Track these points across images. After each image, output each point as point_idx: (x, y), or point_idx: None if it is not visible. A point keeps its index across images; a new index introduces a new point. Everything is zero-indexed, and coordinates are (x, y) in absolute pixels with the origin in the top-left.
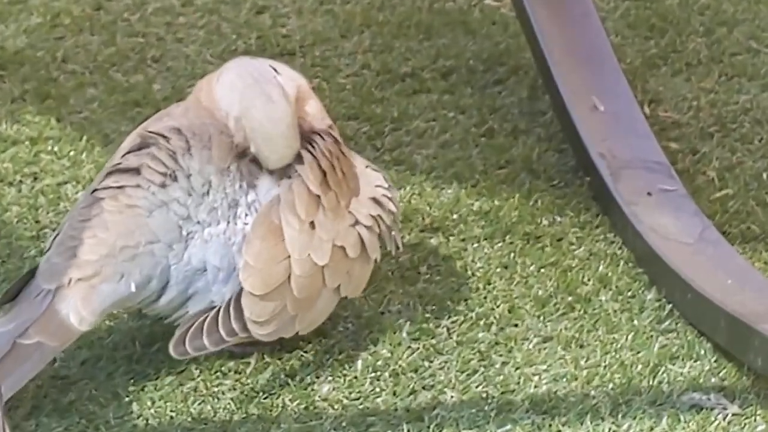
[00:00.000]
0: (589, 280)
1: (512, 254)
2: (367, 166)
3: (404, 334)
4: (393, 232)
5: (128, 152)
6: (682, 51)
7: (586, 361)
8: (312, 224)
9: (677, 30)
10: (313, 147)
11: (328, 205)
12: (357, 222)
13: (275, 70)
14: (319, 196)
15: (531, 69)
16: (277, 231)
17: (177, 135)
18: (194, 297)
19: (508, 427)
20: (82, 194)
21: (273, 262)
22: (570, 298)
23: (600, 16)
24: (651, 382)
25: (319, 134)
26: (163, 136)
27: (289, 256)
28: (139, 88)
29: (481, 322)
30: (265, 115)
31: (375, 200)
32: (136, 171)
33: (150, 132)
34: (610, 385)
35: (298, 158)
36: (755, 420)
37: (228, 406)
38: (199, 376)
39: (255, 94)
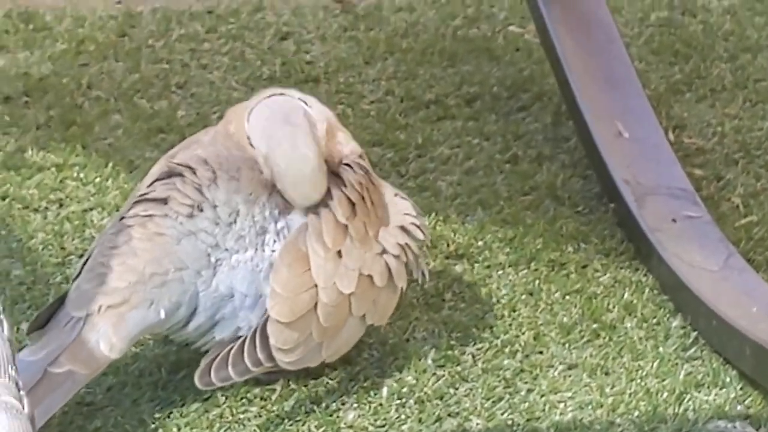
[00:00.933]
0: (614, 307)
1: (537, 281)
2: (396, 194)
3: (429, 361)
4: (420, 261)
5: (156, 180)
6: (707, 77)
7: (611, 389)
8: (339, 253)
9: (701, 56)
10: (342, 178)
11: (356, 234)
12: (384, 251)
13: (305, 103)
14: (346, 226)
15: (555, 95)
16: (304, 259)
17: (203, 166)
18: (221, 323)
19: None
20: (109, 221)
21: (300, 289)
22: (595, 326)
23: (624, 42)
24: (676, 410)
25: (349, 165)
26: (190, 168)
27: (316, 285)
28: (164, 114)
29: (507, 349)
30: (291, 160)
31: (403, 228)
32: (164, 201)
33: (177, 163)
34: (636, 413)
35: (328, 189)
36: None
37: None
38: (224, 402)
39: (282, 138)
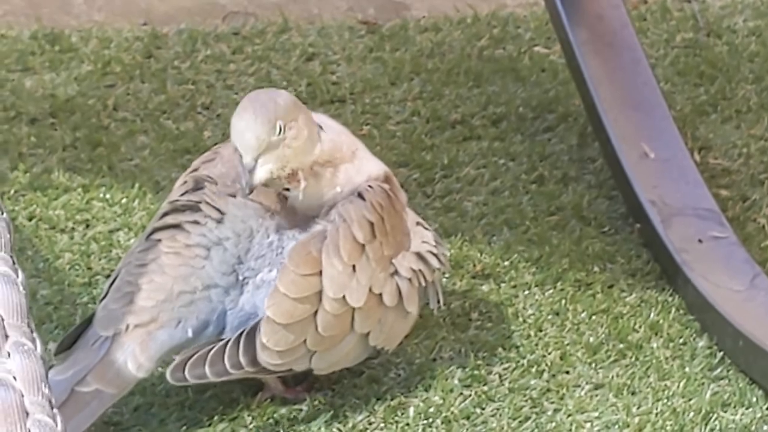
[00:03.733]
0: (640, 327)
1: (563, 301)
2: (418, 223)
3: (456, 381)
4: (433, 288)
5: (185, 192)
6: (732, 98)
7: (637, 409)
8: (354, 267)
9: (727, 77)
10: (365, 199)
11: (373, 255)
12: (397, 273)
13: (320, 127)
14: (363, 246)
15: (581, 116)
16: (313, 262)
17: (222, 179)
18: None
19: None
20: (136, 239)
21: (303, 292)
22: (621, 345)
23: (650, 63)
24: (703, 430)
25: (371, 186)
26: (212, 180)
27: (320, 291)
28: (190, 135)
29: (533, 369)
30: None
31: (419, 255)
32: (194, 208)
33: (203, 175)
34: None
35: (348, 204)
36: None
37: None
38: (251, 423)
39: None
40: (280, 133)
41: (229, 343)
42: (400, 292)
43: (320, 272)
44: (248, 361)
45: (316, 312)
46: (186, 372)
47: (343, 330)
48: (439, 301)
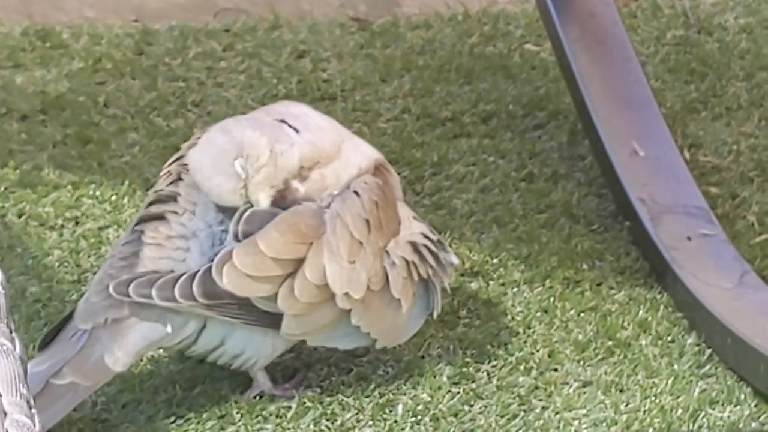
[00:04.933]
0: (628, 324)
1: (552, 298)
2: (414, 217)
3: (444, 378)
4: (437, 279)
5: (170, 183)
6: (722, 95)
7: (626, 406)
8: (354, 262)
9: (717, 75)
10: (359, 195)
11: (370, 249)
12: (387, 259)
13: (296, 130)
14: (361, 242)
15: (571, 114)
16: (300, 234)
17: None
18: (231, 337)
19: None
20: (125, 230)
21: (284, 254)
22: (610, 343)
23: (640, 60)
24: (691, 427)
25: (366, 182)
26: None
27: (299, 259)
28: (180, 132)
29: (521, 367)
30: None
31: (413, 245)
32: (176, 198)
33: (182, 165)
34: (650, 430)
35: (342, 203)
36: None
37: None
38: (240, 420)
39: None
40: (245, 169)
41: (183, 276)
42: (386, 277)
43: (304, 243)
44: (201, 292)
45: (288, 275)
46: (130, 288)
47: (320, 299)
48: (434, 311)
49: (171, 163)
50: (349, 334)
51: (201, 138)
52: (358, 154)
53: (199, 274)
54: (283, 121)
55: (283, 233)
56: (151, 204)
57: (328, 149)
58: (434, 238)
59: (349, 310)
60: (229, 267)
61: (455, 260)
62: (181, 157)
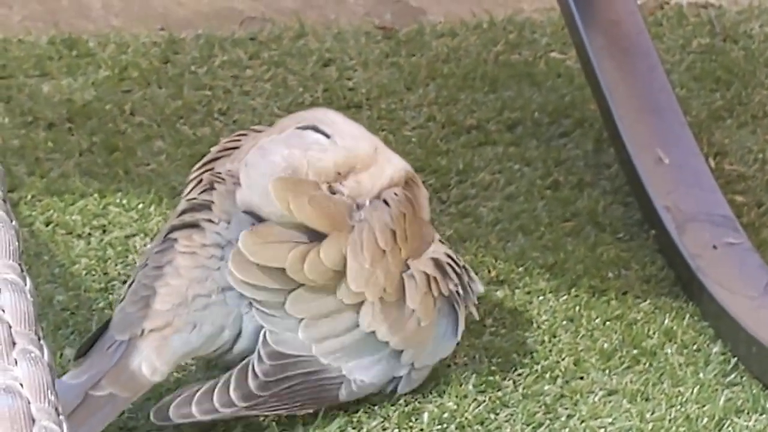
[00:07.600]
0: (654, 333)
1: (577, 307)
2: (440, 240)
3: (470, 387)
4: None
5: (203, 191)
6: (748, 103)
7: (651, 415)
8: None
9: (743, 82)
10: (389, 205)
11: (392, 259)
12: (407, 271)
13: (327, 135)
14: (384, 251)
15: (596, 121)
16: (326, 214)
17: (231, 178)
18: None
19: None
20: (155, 238)
21: (307, 219)
22: (635, 351)
23: (665, 68)
24: None
25: (396, 194)
26: (222, 179)
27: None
28: (206, 140)
29: (547, 375)
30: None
31: (436, 262)
32: (209, 207)
33: (216, 173)
34: None
35: (373, 211)
36: None
37: None
38: (267, 428)
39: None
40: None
41: (219, 383)
42: (403, 287)
43: (329, 222)
44: (240, 396)
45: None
46: (171, 412)
47: (325, 277)
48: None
49: (199, 170)
50: (379, 360)
51: (242, 172)
52: (391, 164)
53: (232, 377)
54: (312, 127)
55: (313, 204)
56: (183, 212)
57: (362, 156)
58: (460, 262)
59: (357, 313)
60: (247, 234)
61: (480, 288)
62: (208, 162)
